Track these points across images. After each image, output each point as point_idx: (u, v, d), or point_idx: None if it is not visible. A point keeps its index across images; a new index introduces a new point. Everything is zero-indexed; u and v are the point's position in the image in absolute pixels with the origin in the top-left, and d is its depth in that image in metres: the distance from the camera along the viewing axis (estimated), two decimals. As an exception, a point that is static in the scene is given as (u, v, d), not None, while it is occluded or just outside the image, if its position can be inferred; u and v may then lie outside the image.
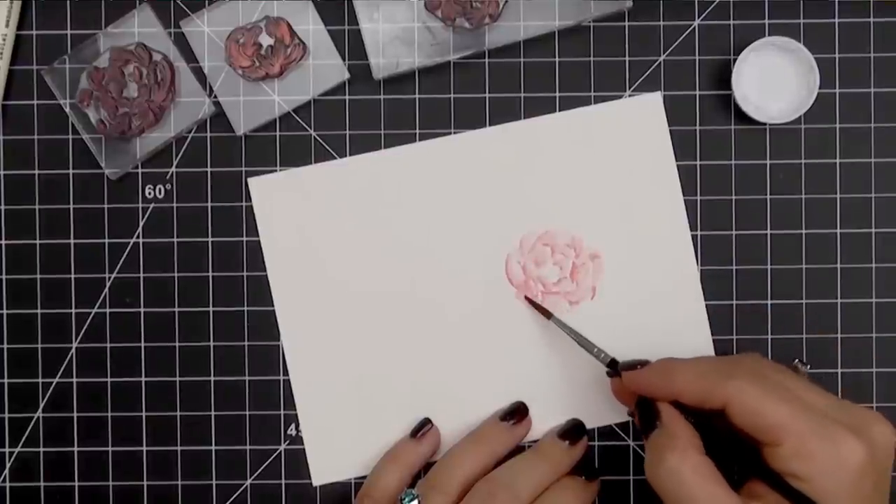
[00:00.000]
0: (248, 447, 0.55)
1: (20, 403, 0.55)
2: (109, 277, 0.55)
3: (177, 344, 0.55)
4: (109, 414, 0.55)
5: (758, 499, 0.43)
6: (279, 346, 0.55)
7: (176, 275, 0.55)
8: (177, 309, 0.55)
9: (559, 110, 0.55)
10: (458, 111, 0.55)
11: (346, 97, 0.55)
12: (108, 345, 0.55)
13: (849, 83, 0.54)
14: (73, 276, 0.55)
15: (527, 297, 0.54)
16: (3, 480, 0.55)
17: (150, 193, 0.55)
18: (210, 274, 0.55)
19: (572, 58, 0.55)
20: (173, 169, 0.55)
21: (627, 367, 0.49)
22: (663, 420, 0.46)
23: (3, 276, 0.55)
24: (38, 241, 0.55)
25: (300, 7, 0.54)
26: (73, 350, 0.55)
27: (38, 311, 0.55)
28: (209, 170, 0.55)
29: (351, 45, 0.55)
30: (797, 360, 0.53)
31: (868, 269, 0.54)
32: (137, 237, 0.55)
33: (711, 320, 0.54)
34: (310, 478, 0.55)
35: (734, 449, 0.46)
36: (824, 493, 0.42)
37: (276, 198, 0.55)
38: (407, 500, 0.50)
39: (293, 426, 0.55)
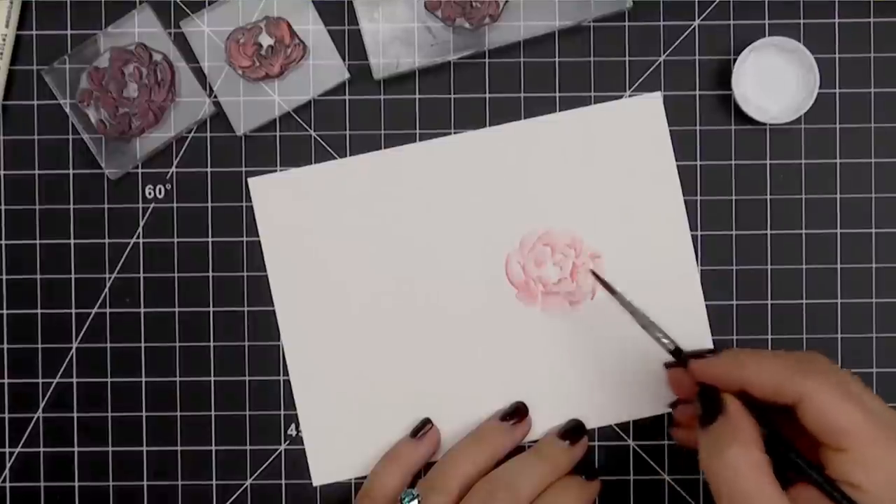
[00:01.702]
0: (248, 447, 0.55)
1: (20, 403, 0.55)
2: (109, 277, 0.55)
3: (177, 344, 0.55)
4: (109, 414, 0.55)
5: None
6: (279, 346, 0.55)
7: (176, 275, 0.55)
8: (177, 309, 0.55)
9: (559, 110, 0.55)
10: (458, 111, 0.55)
11: (346, 97, 0.55)
12: (108, 345, 0.55)
13: (849, 83, 0.54)
14: (73, 276, 0.55)
15: (592, 271, 0.53)
16: (3, 480, 0.55)
17: (150, 193, 0.55)
18: (210, 274, 0.55)
19: (572, 58, 0.55)
20: (173, 169, 0.55)
21: (695, 356, 0.47)
22: (729, 411, 0.44)
23: (3, 276, 0.55)
24: (38, 241, 0.55)
25: (300, 7, 0.54)
26: (73, 350, 0.55)
27: (38, 311, 0.55)
28: (209, 170, 0.55)
29: (351, 45, 0.55)
30: None
31: (868, 269, 0.54)
32: (137, 237, 0.55)
33: (711, 320, 0.54)
34: (310, 478, 0.55)
35: (789, 449, 0.45)
36: None
37: (276, 198, 0.55)
38: (407, 500, 0.50)
39: (293, 426, 0.55)
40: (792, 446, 0.45)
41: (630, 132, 0.54)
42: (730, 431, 0.44)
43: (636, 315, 0.50)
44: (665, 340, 0.49)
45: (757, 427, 0.44)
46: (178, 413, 0.55)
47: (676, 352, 0.49)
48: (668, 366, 0.50)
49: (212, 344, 0.55)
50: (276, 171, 0.55)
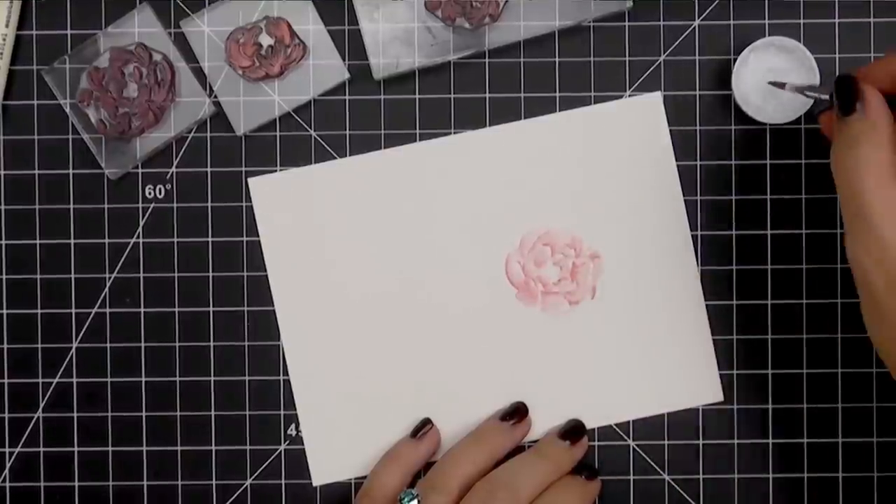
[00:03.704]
0: (248, 447, 0.55)
1: (20, 403, 0.55)
2: (109, 277, 0.55)
3: (177, 344, 0.55)
4: (109, 414, 0.55)
5: None
6: (279, 346, 0.55)
7: (176, 275, 0.55)
8: (177, 309, 0.55)
9: (559, 110, 0.55)
10: (458, 111, 0.55)
11: (346, 97, 0.55)
12: (108, 345, 0.55)
13: (849, 83, 0.54)
14: (73, 276, 0.55)
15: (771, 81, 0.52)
16: (3, 480, 0.55)
17: (150, 193, 0.55)
18: (210, 274, 0.55)
19: (572, 58, 0.55)
20: (173, 169, 0.55)
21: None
22: (870, 106, 0.43)
23: (3, 276, 0.55)
24: (38, 241, 0.55)
25: (300, 7, 0.54)
26: (73, 350, 0.55)
27: (38, 311, 0.55)
28: (209, 170, 0.55)
29: (351, 45, 0.55)
30: None
31: (868, 269, 0.54)
32: (137, 237, 0.55)
33: (711, 320, 0.54)
34: (310, 478, 0.55)
35: None
36: None
37: (276, 198, 0.55)
38: (406, 499, 0.50)
39: (293, 426, 0.55)
40: None
41: (630, 132, 0.54)
42: (867, 127, 0.43)
43: (801, 90, 0.49)
44: (821, 95, 0.48)
45: (893, 128, 0.43)
46: (178, 413, 0.55)
47: (832, 96, 0.46)
48: (819, 112, 0.48)
49: (212, 344, 0.55)
50: (276, 171, 0.55)
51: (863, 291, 0.44)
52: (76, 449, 0.55)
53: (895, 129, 0.43)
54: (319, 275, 0.55)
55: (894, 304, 0.42)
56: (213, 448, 0.55)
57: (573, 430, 0.53)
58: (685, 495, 0.54)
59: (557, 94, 0.55)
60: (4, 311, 0.55)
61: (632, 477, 0.55)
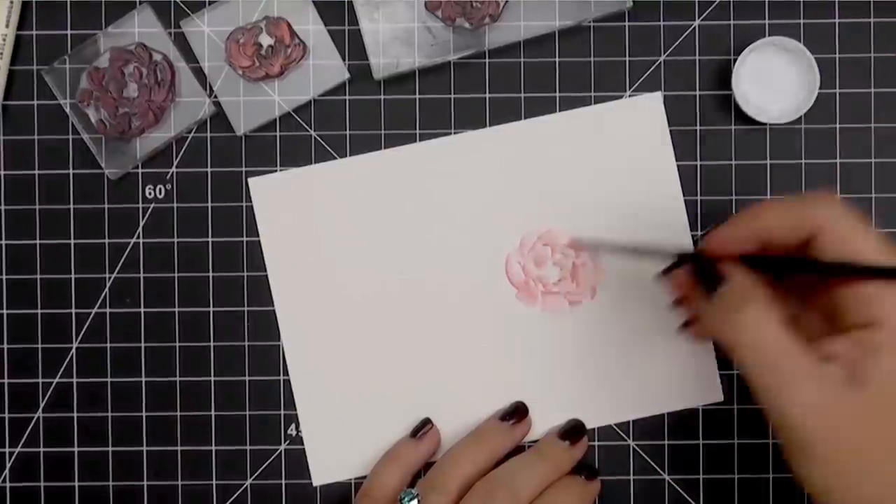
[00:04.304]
0: (248, 447, 0.55)
1: (20, 403, 0.55)
2: (109, 277, 0.55)
3: (177, 344, 0.55)
4: (109, 414, 0.55)
5: (833, 359, 0.41)
6: (279, 346, 0.55)
7: (176, 275, 0.55)
8: (177, 309, 0.55)
9: (559, 110, 0.55)
10: (458, 111, 0.55)
11: (346, 97, 0.55)
12: (108, 345, 0.55)
13: (849, 83, 0.54)
14: (73, 276, 0.55)
15: (573, 240, 0.53)
16: (3, 480, 0.55)
17: (150, 193, 0.55)
18: (210, 274, 0.55)
19: (572, 58, 0.55)
20: (173, 169, 0.55)
21: (704, 234, 0.45)
22: (733, 276, 0.43)
23: (3, 276, 0.55)
24: (38, 241, 0.55)
25: (300, 7, 0.54)
26: (73, 350, 0.55)
27: (38, 311, 0.55)
28: (209, 170, 0.55)
29: (351, 45, 0.55)
30: None
31: (868, 269, 0.54)
32: (137, 237, 0.55)
33: (711, 320, 0.54)
34: (310, 478, 0.55)
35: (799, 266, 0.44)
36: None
37: (276, 198, 0.55)
38: (406, 499, 0.50)
39: (293, 426, 0.55)
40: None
41: (630, 132, 0.54)
42: (740, 293, 0.43)
43: (631, 251, 0.51)
44: (669, 255, 0.49)
45: (764, 288, 0.43)
46: (178, 413, 0.55)
47: (683, 255, 0.48)
48: (665, 272, 0.49)
49: (212, 344, 0.55)
50: (276, 171, 0.55)
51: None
52: (76, 449, 0.55)
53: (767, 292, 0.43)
54: (319, 275, 0.55)
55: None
56: (213, 448, 0.55)
57: (573, 430, 0.53)
58: (685, 495, 0.54)
59: (557, 94, 0.55)
60: (4, 311, 0.55)
61: (632, 477, 0.55)
